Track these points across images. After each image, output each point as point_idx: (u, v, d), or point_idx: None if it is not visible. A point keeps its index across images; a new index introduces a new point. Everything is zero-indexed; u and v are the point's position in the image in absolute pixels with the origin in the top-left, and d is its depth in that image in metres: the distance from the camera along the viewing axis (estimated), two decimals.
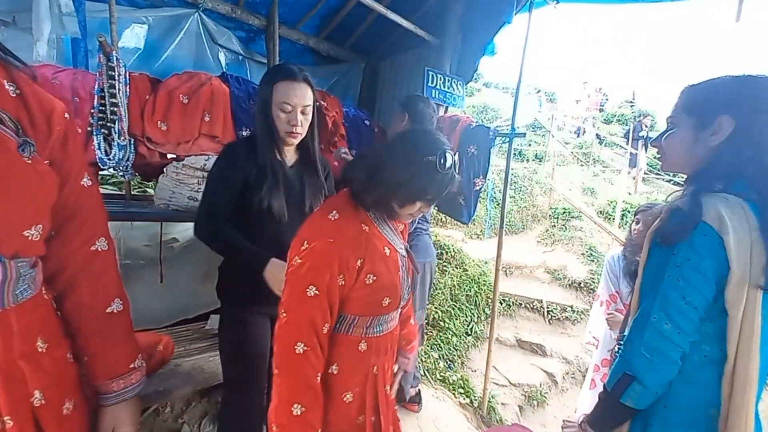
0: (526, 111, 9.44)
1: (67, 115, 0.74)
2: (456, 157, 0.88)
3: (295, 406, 0.82)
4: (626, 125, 10.09)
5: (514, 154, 6.65)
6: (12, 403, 0.61)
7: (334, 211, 0.89)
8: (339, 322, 0.90)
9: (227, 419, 1.33)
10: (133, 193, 2.07)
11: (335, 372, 0.91)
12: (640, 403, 0.83)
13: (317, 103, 1.32)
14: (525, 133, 2.45)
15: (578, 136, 10.09)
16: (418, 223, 2.06)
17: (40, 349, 0.67)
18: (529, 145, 8.60)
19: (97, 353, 0.77)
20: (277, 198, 1.21)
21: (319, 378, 0.86)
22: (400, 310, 1.03)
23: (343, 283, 0.85)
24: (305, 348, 0.82)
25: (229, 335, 1.31)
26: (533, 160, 8.11)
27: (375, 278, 0.88)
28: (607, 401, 0.89)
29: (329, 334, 0.88)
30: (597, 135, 9.77)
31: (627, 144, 8.22)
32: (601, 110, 12.24)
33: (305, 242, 0.85)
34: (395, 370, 1.09)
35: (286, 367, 0.83)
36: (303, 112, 1.22)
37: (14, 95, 0.66)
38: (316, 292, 0.82)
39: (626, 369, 0.84)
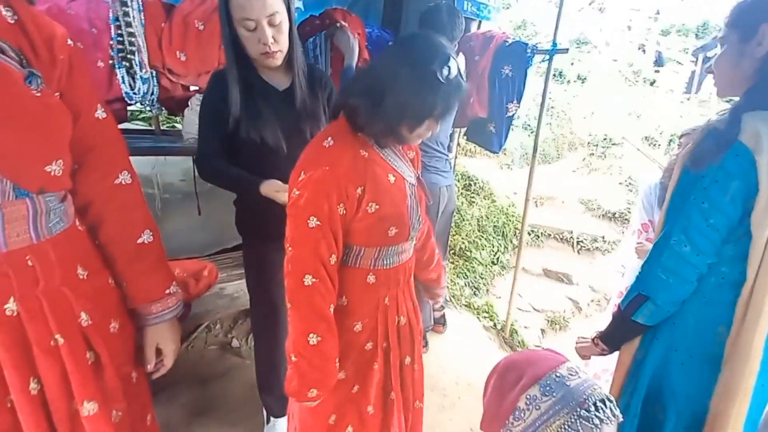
0: (571, 24, 8.39)
1: (70, 41, 0.70)
2: (461, 60, 0.78)
3: (310, 336, 0.83)
4: (687, 37, 8.82)
5: (554, 74, 6.08)
6: (60, 323, 0.67)
7: (329, 138, 0.84)
8: (345, 254, 0.89)
9: (259, 354, 1.45)
10: (162, 128, 2.10)
11: (345, 304, 0.92)
12: (651, 320, 0.87)
13: (293, 7, 1.10)
14: (567, 49, 2.19)
15: (644, 53, 8.73)
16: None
17: (81, 276, 0.71)
18: (572, 64, 7.79)
19: (133, 280, 0.80)
20: (269, 128, 1.12)
21: (332, 309, 0.86)
22: (412, 241, 0.99)
23: (344, 212, 0.83)
24: (314, 280, 0.82)
25: (250, 270, 1.36)
26: (575, 82, 7.42)
27: (378, 207, 0.85)
28: (619, 318, 0.93)
29: (338, 265, 0.87)
30: (658, 54, 8.55)
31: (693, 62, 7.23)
32: (656, 19, 10.60)
33: (302, 173, 0.83)
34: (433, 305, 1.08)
35: (297, 299, 0.84)
36: (271, 23, 1.03)
37: (12, 21, 0.62)
38: (318, 222, 0.80)
39: (641, 289, 0.86)
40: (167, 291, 0.85)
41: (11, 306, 0.62)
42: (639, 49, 8.79)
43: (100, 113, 0.75)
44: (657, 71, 7.83)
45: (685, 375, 0.86)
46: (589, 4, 10.56)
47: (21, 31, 0.63)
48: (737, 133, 0.76)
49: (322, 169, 0.80)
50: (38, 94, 0.62)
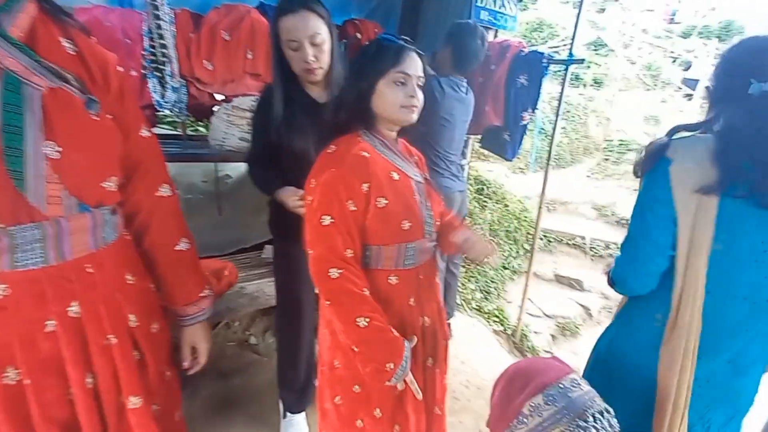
0: (587, 26, 8.29)
1: (120, 67, 0.77)
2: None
3: (358, 320, 0.85)
4: (709, 39, 8.62)
5: (569, 78, 6.03)
6: (113, 325, 0.74)
7: (332, 146, 0.94)
8: (366, 256, 0.94)
9: (281, 350, 1.52)
10: (188, 132, 2.19)
11: None
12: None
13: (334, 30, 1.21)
14: (584, 60, 2.21)
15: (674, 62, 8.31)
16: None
17: (129, 281, 0.79)
18: (588, 67, 7.71)
19: (172, 284, 0.88)
20: (298, 136, 1.22)
21: (367, 292, 0.88)
22: (432, 241, 1.03)
23: (355, 208, 0.88)
24: (339, 271, 0.86)
25: (278, 269, 1.45)
26: (591, 85, 7.34)
27: (387, 201, 0.90)
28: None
29: (358, 261, 0.91)
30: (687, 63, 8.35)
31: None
32: (671, 21, 10.36)
33: (312, 181, 0.91)
34: (461, 240, 1.05)
35: (331, 294, 0.88)
36: (313, 43, 1.14)
37: (72, 53, 0.69)
38: (331, 219, 0.86)
39: (613, 275, 0.99)
40: (201, 294, 0.93)
41: (74, 308, 0.69)
42: (666, 57, 8.55)
43: (144, 132, 0.82)
44: (685, 82, 7.61)
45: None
46: (601, 11, 10.38)
47: (80, 60, 0.70)
48: (665, 148, 0.86)
49: (328, 171, 0.88)
50: (96, 118, 0.69)
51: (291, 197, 1.18)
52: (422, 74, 0.94)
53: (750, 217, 0.79)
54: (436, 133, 1.88)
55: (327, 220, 0.86)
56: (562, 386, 0.68)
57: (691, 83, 6.91)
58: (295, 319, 1.44)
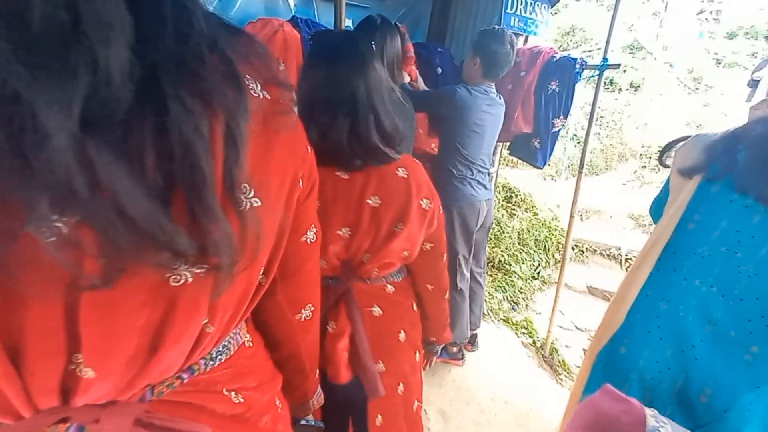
0: (622, 30, 8.01)
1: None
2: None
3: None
4: (756, 40, 8.11)
5: (604, 83, 5.83)
6: None
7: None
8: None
9: None
10: None
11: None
12: None
13: None
14: (620, 65, 2.13)
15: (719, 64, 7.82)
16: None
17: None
18: (624, 71, 7.43)
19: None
20: None
21: None
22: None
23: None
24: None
25: None
26: (627, 90, 7.06)
27: None
28: None
29: None
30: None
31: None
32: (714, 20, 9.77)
33: None
34: None
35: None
36: None
37: None
38: None
39: None
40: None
41: None
42: (711, 59, 8.04)
43: None
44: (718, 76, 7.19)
45: None
46: (641, 14, 9.95)
47: None
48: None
49: None
50: None
51: None
52: None
53: (727, 204, 0.78)
54: (464, 141, 1.87)
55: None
56: None
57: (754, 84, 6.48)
58: None
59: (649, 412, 0.57)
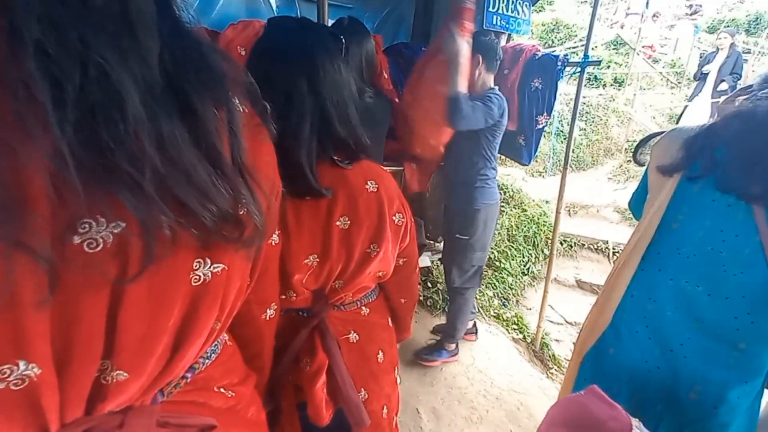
0: (605, 27, 8.12)
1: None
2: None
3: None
4: (738, 33, 8.27)
5: (588, 78, 5.91)
6: None
7: None
8: None
9: None
10: None
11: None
12: None
13: None
14: (600, 61, 2.17)
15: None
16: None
17: None
18: (608, 67, 7.53)
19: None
20: None
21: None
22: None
23: None
24: None
25: None
26: (611, 85, 7.16)
27: None
28: None
29: None
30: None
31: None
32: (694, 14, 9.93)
33: None
34: None
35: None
36: None
37: None
38: None
39: None
40: None
41: None
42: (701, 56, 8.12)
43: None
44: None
45: None
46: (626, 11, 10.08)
47: None
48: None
49: None
50: None
51: None
52: None
53: (710, 203, 0.79)
54: (497, 144, 1.93)
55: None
56: None
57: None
58: None
59: (635, 422, 0.58)
